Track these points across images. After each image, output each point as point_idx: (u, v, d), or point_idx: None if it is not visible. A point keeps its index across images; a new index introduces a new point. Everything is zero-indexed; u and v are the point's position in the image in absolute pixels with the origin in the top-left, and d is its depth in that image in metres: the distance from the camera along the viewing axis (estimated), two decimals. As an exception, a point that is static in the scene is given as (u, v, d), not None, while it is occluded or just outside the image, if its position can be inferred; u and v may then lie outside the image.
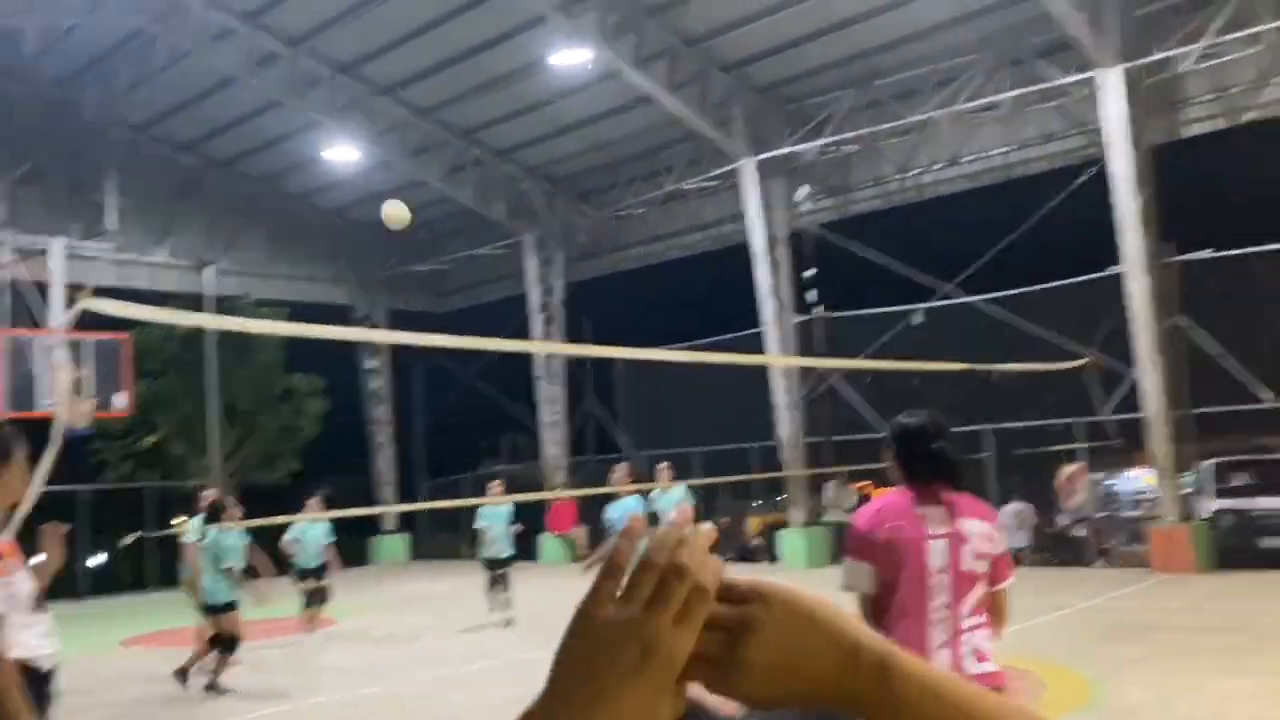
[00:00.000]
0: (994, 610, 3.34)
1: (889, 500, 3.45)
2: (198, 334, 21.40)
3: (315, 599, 12.05)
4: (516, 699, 0.68)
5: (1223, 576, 13.94)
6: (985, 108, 16.75)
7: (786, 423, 18.40)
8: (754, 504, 23.84)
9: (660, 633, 0.60)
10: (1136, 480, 29.80)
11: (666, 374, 20.86)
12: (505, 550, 13.17)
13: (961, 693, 0.63)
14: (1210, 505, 15.79)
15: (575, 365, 23.80)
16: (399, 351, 26.15)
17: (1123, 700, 7.24)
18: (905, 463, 3.43)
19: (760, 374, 18.94)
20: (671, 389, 21.38)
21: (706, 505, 21.66)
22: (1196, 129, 15.98)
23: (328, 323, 23.77)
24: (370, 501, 23.44)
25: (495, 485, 14.11)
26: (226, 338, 21.86)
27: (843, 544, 3.45)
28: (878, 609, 3.26)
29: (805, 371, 18.88)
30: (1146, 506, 26.20)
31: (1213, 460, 16.92)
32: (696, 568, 0.62)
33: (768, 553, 20.31)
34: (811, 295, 18.81)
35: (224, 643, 9.20)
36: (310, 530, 12.00)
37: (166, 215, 22.33)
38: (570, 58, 16.67)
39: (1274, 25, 13.92)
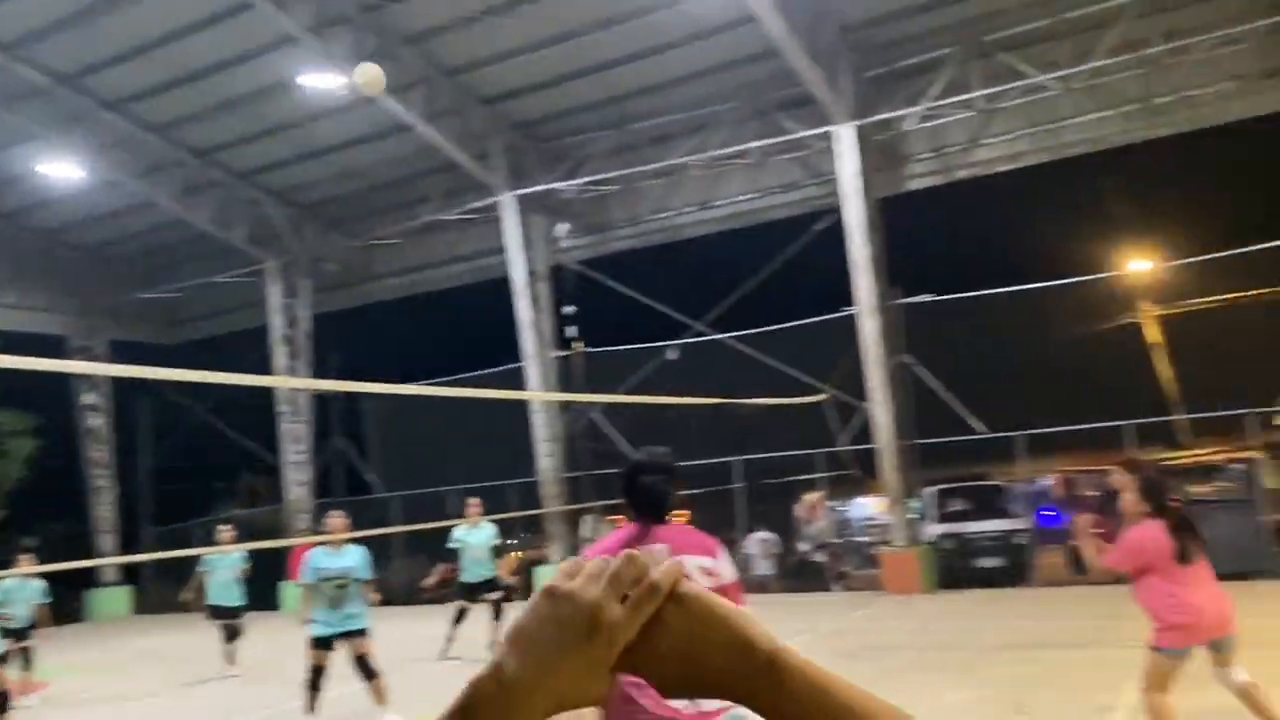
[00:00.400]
0: None
1: (615, 538, 3.48)
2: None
3: (25, 660, 10.87)
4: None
5: (946, 596, 15.09)
6: (733, 155, 17.57)
7: (546, 458, 18.36)
8: (509, 542, 23.57)
9: (609, 612, 0.68)
10: (866, 507, 31.99)
11: (420, 410, 20.38)
12: (233, 599, 12.48)
13: (844, 688, 0.70)
14: (933, 530, 17.11)
15: (321, 401, 22.75)
16: (122, 386, 24.06)
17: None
18: (627, 498, 3.50)
19: (519, 410, 18.83)
20: (425, 426, 20.89)
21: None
22: (918, 184, 17.46)
23: (40, 354, 21.62)
24: (87, 551, 21.32)
25: (224, 530, 13.34)
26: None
27: None
28: None
29: (565, 406, 18.96)
30: (876, 532, 28.15)
31: (934, 487, 18.40)
32: (652, 566, 0.70)
33: (523, 590, 20.11)
34: (571, 331, 18.96)
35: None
36: (21, 590, 10.85)
37: None
38: (321, 80, 16.04)
39: (983, 93, 15.47)
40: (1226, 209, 21.92)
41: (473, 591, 12.11)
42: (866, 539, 27.00)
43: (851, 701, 0.69)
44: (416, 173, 19.82)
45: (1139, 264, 20.75)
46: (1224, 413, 17.16)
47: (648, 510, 3.47)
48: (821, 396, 16.18)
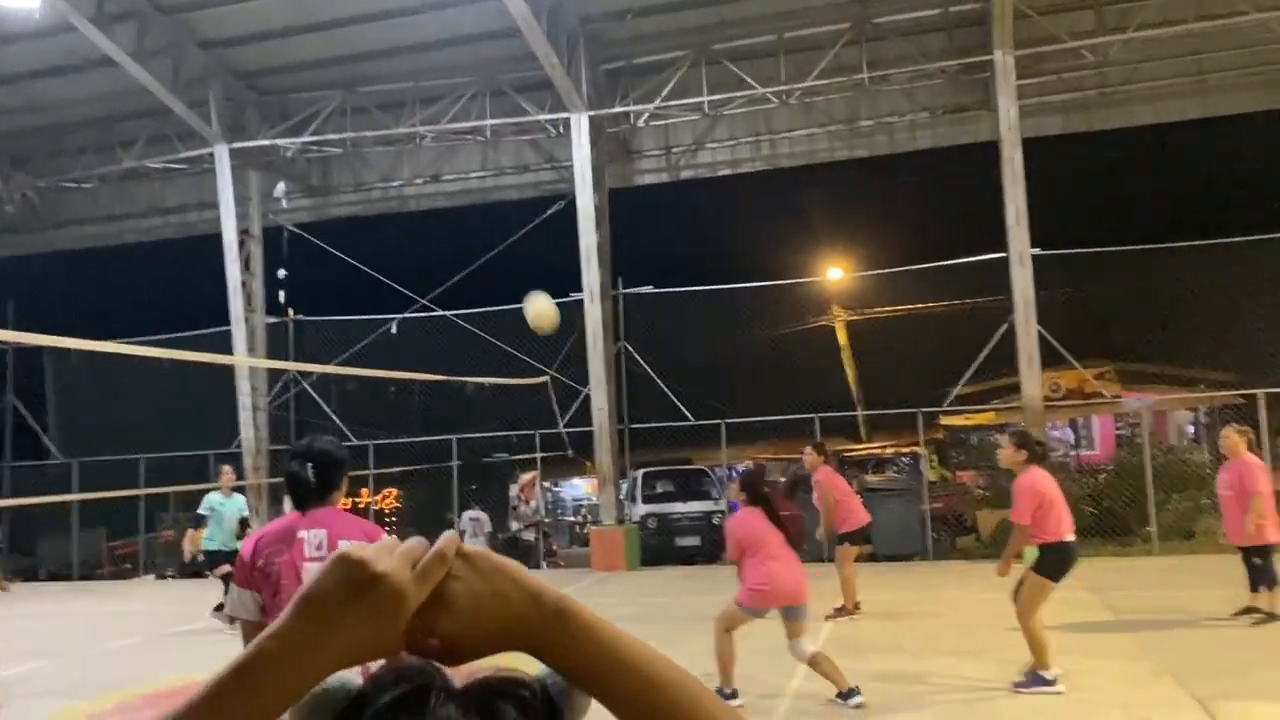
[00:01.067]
0: None
1: (273, 526, 3.56)
2: None
3: None
4: None
5: (649, 572, 15.85)
6: (467, 131, 17.46)
7: (252, 427, 17.48)
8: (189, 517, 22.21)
9: (399, 571, 0.71)
10: (579, 488, 32.91)
11: (111, 372, 18.77)
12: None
13: (625, 635, 0.76)
14: (639, 510, 17.90)
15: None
16: None
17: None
18: (285, 483, 3.61)
19: (222, 377, 17.80)
20: (115, 389, 19.25)
21: (151, 518, 19.81)
22: (649, 178, 18.12)
23: None
24: None
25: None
26: None
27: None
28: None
29: (274, 376, 18.12)
30: (585, 512, 29.02)
31: (640, 470, 19.24)
32: (443, 539, 0.74)
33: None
34: (284, 296, 18.14)
35: None
36: None
37: None
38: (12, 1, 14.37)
39: (709, 98, 16.30)
40: (912, 228, 24.35)
41: (215, 561, 11.49)
42: (575, 519, 27.88)
43: (634, 646, 0.75)
44: (120, 114, 18.17)
45: (835, 272, 22.60)
46: (897, 410, 19.02)
47: (295, 495, 3.54)
48: (543, 379, 16.47)
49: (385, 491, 20.86)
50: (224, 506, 11.58)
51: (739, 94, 16.16)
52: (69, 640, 11.32)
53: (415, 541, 0.74)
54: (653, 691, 0.75)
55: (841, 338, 22.86)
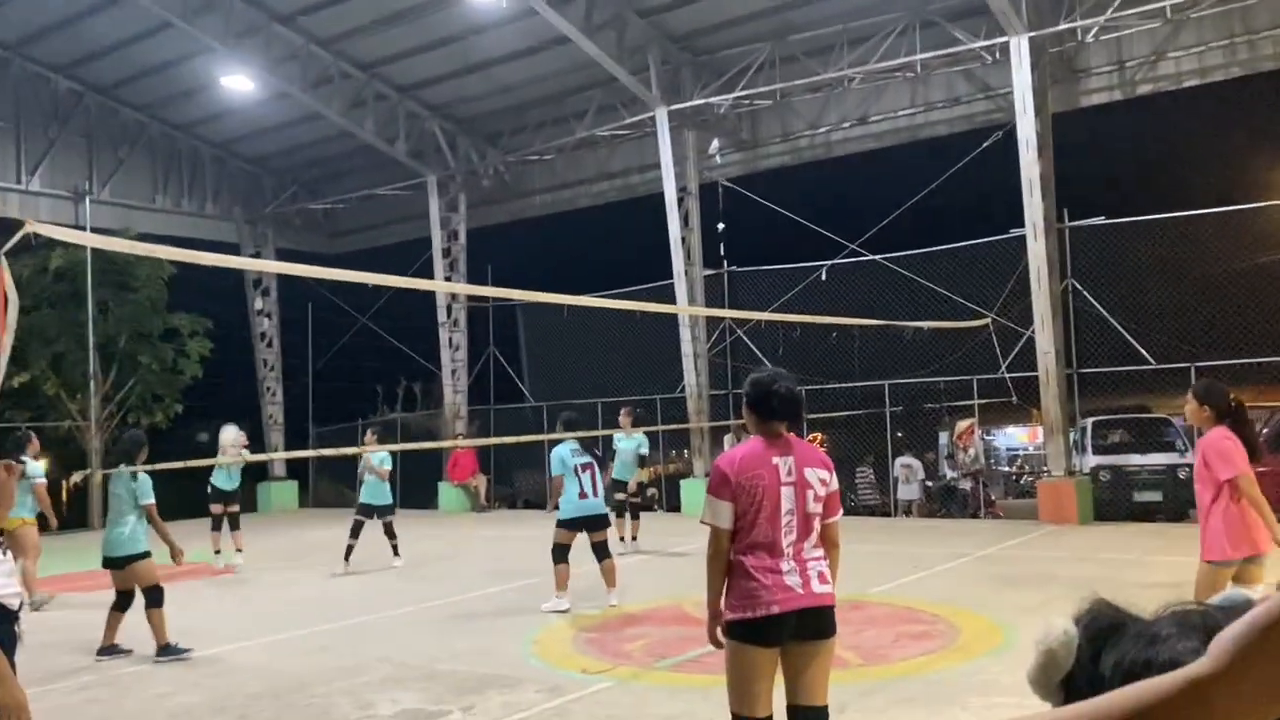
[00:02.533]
0: (829, 540, 3.96)
1: (744, 449, 3.92)
2: (73, 267, 20.34)
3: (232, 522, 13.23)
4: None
5: (1102, 528, 14.71)
6: (897, 68, 16.99)
7: (694, 374, 18.53)
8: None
9: None
10: (1012, 437, 31.27)
11: (571, 326, 20.77)
12: (383, 497, 12.62)
13: None
14: (1090, 461, 16.63)
15: (479, 316, 23.44)
16: (289, 293, 25.31)
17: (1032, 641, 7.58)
18: (759, 407, 3.94)
19: (665, 328, 19.02)
20: (575, 341, 21.31)
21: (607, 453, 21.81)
22: (1097, 99, 16.56)
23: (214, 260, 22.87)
24: (260, 447, 22.72)
25: (370, 434, 13.64)
26: (105, 273, 20.79)
27: (709, 483, 3.95)
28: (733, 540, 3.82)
29: (711, 326, 19.03)
30: (1022, 461, 27.50)
31: (1090, 419, 17.83)
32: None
33: (661, 502, 20.57)
34: (721, 249, 18.95)
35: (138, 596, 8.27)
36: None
37: (40, 140, 21.01)
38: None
39: (1170, 1, 14.47)
40: None
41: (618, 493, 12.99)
42: (1010, 469, 26.55)
43: None
44: (571, 88, 19.91)
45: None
46: None
47: (785, 417, 3.91)
48: (983, 321, 15.75)
49: (811, 436, 21.24)
50: (621, 443, 13.27)
51: (1210, -8, 14.21)
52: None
53: None
54: None
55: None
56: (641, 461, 13.51)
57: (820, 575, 3.83)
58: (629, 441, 13.25)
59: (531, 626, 8.71)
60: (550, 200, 22.62)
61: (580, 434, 9.68)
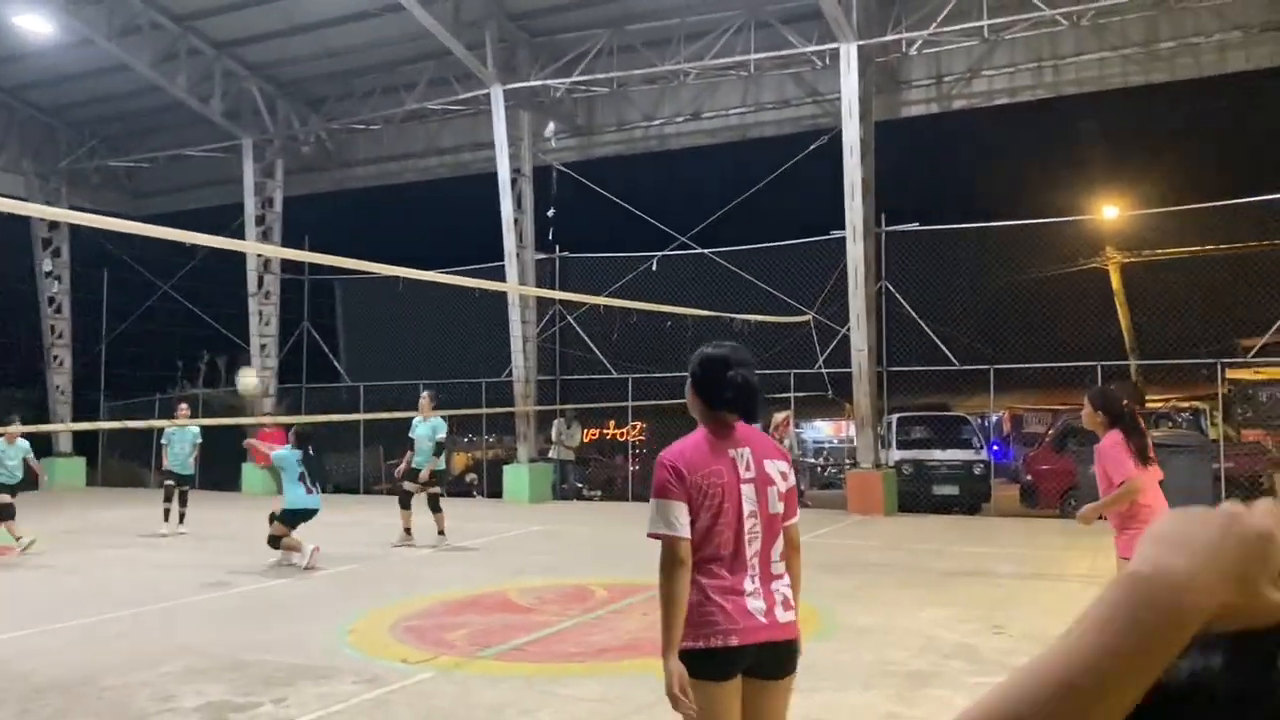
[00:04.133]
0: (790, 544, 3.26)
1: (690, 442, 3.20)
2: None
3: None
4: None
5: (905, 518, 15.48)
6: (730, 66, 17.28)
7: (522, 356, 18.31)
8: (464, 439, 23.72)
9: None
10: (819, 430, 32.54)
11: (393, 303, 20.16)
12: (187, 468, 13.91)
13: None
14: (894, 455, 17.46)
15: (291, 286, 22.40)
16: (82, 257, 23.47)
17: (854, 624, 7.86)
18: (709, 394, 3.21)
19: (492, 311, 18.73)
20: (397, 319, 20.71)
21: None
22: (916, 110, 17.35)
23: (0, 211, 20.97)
24: (42, 419, 21.00)
25: (182, 408, 14.77)
26: None
27: (656, 485, 3.12)
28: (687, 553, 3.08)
29: (540, 310, 18.86)
30: (827, 454, 28.67)
31: (895, 415, 18.74)
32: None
33: (482, 489, 20.29)
34: (551, 233, 18.80)
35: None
36: (10, 451, 11.93)
37: None
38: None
39: (987, 23, 15.31)
40: (1213, 160, 22.16)
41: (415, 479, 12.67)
42: (816, 461, 27.65)
43: None
44: (402, 58, 19.25)
45: (1111, 210, 20.94)
46: (1183, 361, 17.56)
47: (739, 407, 3.19)
48: (805, 317, 16.27)
49: (632, 424, 21.45)
50: (418, 429, 12.63)
51: (1024, 16, 15.10)
52: (367, 548, 12.36)
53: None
54: None
55: (1115, 281, 21.29)
56: (438, 449, 12.66)
57: (785, 601, 3.19)
58: (425, 426, 12.53)
59: (345, 615, 8.36)
60: (375, 172, 21.84)
61: (389, 415, 9.37)
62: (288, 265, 21.68)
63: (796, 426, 27.55)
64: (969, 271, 17.76)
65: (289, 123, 21.06)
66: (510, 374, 18.49)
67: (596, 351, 18.67)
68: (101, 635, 7.72)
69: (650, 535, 3.11)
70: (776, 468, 3.23)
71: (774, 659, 3.16)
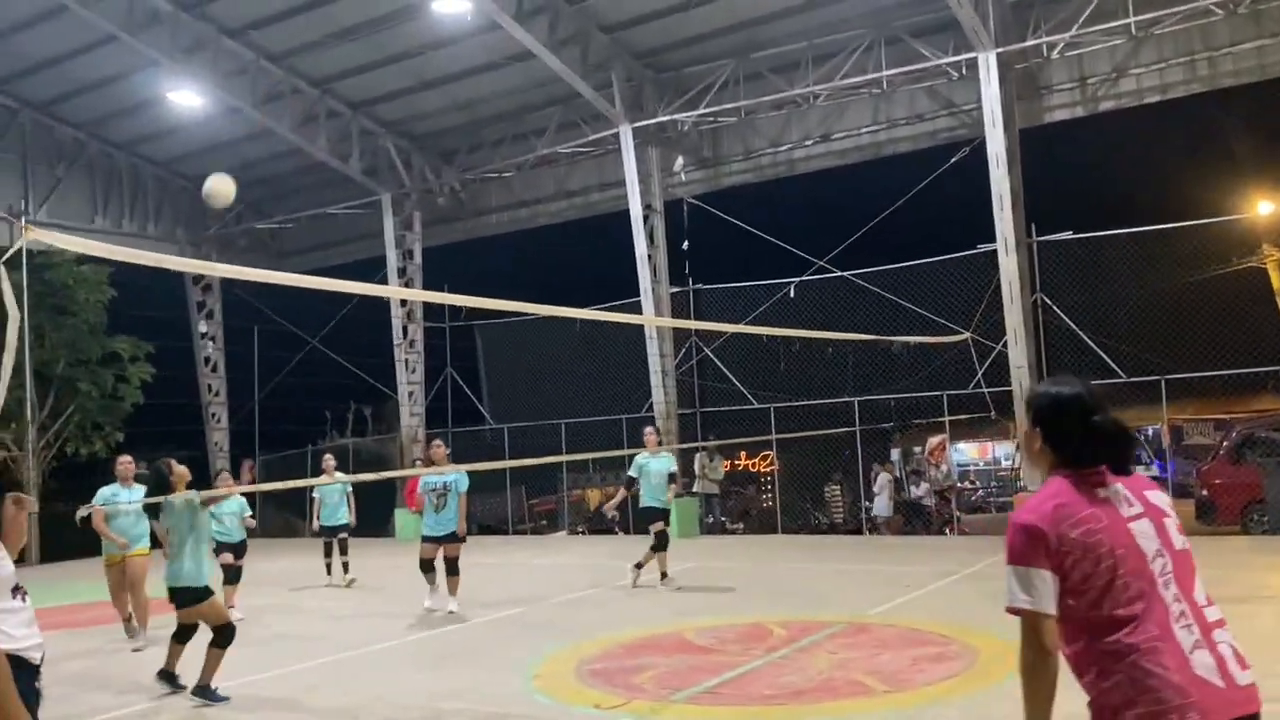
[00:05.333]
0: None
1: (1053, 490, 2.65)
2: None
3: (232, 576, 11.28)
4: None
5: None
6: (861, 85, 16.96)
7: (662, 391, 18.20)
8: (599, 478, 23.69)
9: None
10: (963, 453, 31.47)
11: (532, 346, 20.37)
12: (341, 518, 13.92)
13: None
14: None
15: (434, 335, 22.90)
16: (234, 316, 24.51)
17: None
18: (1069, 443, 2.66)
19: (628, 348, 18.73)
20: (536, 362, 20.92)
21: (575, 477, 21.42)
22: (1060, 115, 16.68)
23: (153, 282, 22.07)
24: (203, 478, 21.83)
25: (328, 459, 14.90)
26: (42, 296, 19.88)
27: (1011, 549, 2.58)
28: (1083, 626, 2.52)
29: (678, 343, 18.76)
30: (974, 477, 27.64)
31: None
32: None
33: (619, 525, 20.17)
34: (686, 266, 18.74)
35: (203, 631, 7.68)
36: (230, 505, 11.31)
37: (-30, 159, 20.12)
38: (449, 6, 15.79)
39: (1133, 19, 14.63)
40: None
41: (648, 518, 12.07)
42: (966, 485, 26.66)
43: None
44: (530, 105, 19.58)
45: (1265, 205, 19.76)
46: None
47: (1113, 458, 2.63)
48: (963, 336, 15.71)
49: (762, 454, 21.05)
50: (650, 464, 11.97)
51: (1175, 9, 14.38)
52: (529, 589, 12.33)
53: None
54: None
55: (1276, 280, 20.06)
56: (671, 480, 12.19)
57: (1236, 653, 2.52)
58: (658, 461, 11.98)
59: (525, 660, 8.27)
60: (508, 219, 22.20)
61: (596, 454, 9.26)
62: (430, 314, 22.16)
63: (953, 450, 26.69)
64: (1124, 279, 16.90)
65: (424, 176, 21.62)
66: (650, 409, 18.39)
67: (736, 382, 18.41)
68: (294, 687, 7.80)
69: (1008, 610, 2.56)
70: (1160, 498, 2.69)
71: None
